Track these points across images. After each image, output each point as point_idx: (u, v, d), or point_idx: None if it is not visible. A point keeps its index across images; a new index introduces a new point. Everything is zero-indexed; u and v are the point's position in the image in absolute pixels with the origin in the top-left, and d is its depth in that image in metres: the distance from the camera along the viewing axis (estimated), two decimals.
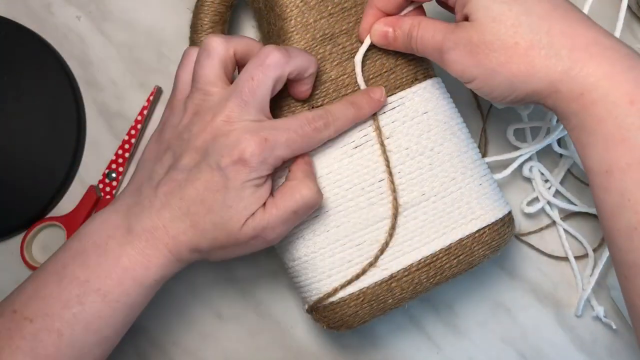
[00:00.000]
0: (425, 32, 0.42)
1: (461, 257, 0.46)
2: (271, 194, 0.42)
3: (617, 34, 0.49)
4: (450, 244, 0.46)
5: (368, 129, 0.46)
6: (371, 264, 0.46)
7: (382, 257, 0.46)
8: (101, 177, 0.58)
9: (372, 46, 0.46)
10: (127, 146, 0.57)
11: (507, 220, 0.48)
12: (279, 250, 0.48)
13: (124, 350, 0.56)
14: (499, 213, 0.47)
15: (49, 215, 0.59)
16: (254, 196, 0.41)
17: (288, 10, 0.46)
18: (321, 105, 0.46)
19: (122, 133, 0.58)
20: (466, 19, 0.41)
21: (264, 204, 0.42)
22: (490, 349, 0.56)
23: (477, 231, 0.47)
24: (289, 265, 0.48)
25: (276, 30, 0.47)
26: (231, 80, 0.44)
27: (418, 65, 0.47)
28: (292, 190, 0.42)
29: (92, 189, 0.58)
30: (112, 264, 0.41)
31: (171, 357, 0.56)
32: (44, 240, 0.59)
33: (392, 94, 0.46)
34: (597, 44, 0.38)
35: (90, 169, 0.58)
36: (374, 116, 0.46)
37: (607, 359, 0.55)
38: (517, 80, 0.39)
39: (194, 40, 0.52)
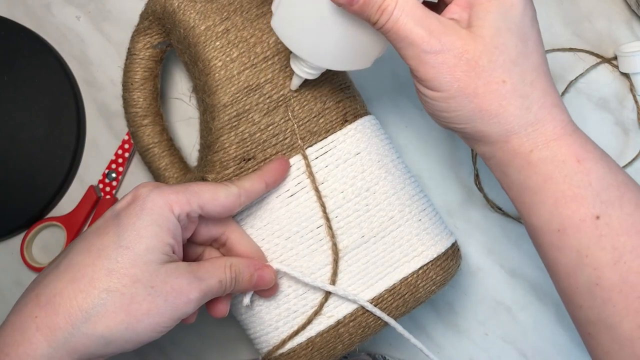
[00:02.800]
0: (405, 16, 0.35)
1: (406, 295, 0.46)
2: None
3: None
4: (394, 284, 0.46)
5: (302, 177, 0.45)
6: (316, 313, 0.45)
7: (327, 304, 0.45)
8: (101, 177, 0.58)
9: (298, 92, 0.45)
10: (127, 146, 0.57)
11: (451, 253, 0.47)
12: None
13: None
14: (441, 247, 0.47)
15: (49, 215, 0.59)
16: (158, 237, 0.39)
17: (211, 64, 0.45)
18: (253, 157, 0.45)
19: (122, 133, 0.58)
20: (468, 22, 0.37)
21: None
22: (491, 348, 0.56)
23: (420, 268, 0.46)
24: (237, 319, 0.48)
25: (201, 85, 0.46)
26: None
27: (347, 106, 0.46)
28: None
29: (92, 189, 0.58)
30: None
31: (171, 357, 0.56)
32: (44, 240, 0.59)
33: (323, 138, 0.45)
34: (558, 106, 0.38)
35: (90, 169, 0.59)
36: (306, 162, 0.45)
37: None
38: (481, 116, 0.37)
39: (125, 99, 0.51)
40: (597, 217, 0.36)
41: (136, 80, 0.51)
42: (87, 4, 0.59)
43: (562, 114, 0.38)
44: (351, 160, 0.46)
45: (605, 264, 0.36)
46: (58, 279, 0.37)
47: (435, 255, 0.46)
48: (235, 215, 0.45)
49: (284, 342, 0.46)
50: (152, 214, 0.38)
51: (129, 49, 0.51)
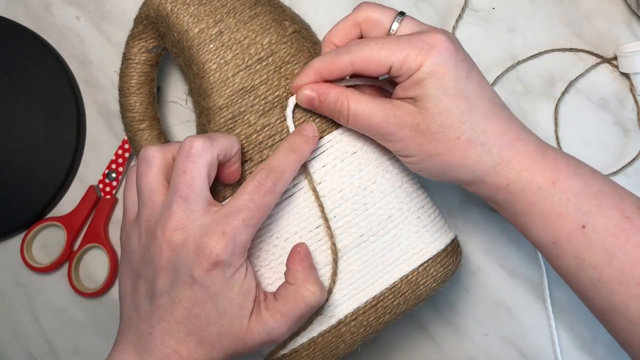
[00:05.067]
0: (360, 110, 0.42)
1: (407, 293, 0.46)
2: (272, 294, 0.43)
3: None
4: (395, 282, 0.46)
5: (299, 177, 0.45)
6: (317, 313, 0.45)
7: (327, 304, 0.45)
8: (101, 177, 0.58)
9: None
10: (127, 146, 0.57)
11: (451, 249, 0.47)
12: None
13: None
14: (440, 244, 0.47)
15: (49, 215, 0.59)
16: (242, 291, 0.41)
17: (205, 67, 0.45)
18: (249, 159, 0.45)
19: (122, 133, 0.58)
20: (412, 100, 0.41)
21: (265, 299, 0.42)
22: (491, 347, 0.56)
23: (421, 266, 0.46)
24: None
25: (196, 88, 0.46)
26: None
27: None
28: (295, 295, 0.42)
29: (92, 189, 0.58)
30: None
31: None
32: (44, 240, 0.59)
33: (320, 138, 0.45)
34: (519, 140, 0.41)
35: (90, 169, 0.59)
36: (303, 162, 0.45)
37: (607, 358, 0.55)
38: (450, 169, 0.42)
39: (122, 104, 0.51)
40: (583, 227, 0.40)
41: (132, 85, 0.51)
42: (87, 4, 0.59)
43: (525, 145, 0.41)
44: (348, 159, 0.45)
45: (601, 263, 0.40)
46: (185, 342, 0.41)
47: (435, 252, 0.46)
48: None
49: (285, 343, 0.46)
50: (235, 276, 0.41)
51: (124, 53, 0.51)
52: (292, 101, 0.45)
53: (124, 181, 0.57)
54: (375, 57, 0.41)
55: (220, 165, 0.43)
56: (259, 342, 0.41)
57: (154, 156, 0.42)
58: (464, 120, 0.41)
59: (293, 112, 0.45)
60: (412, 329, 0.56)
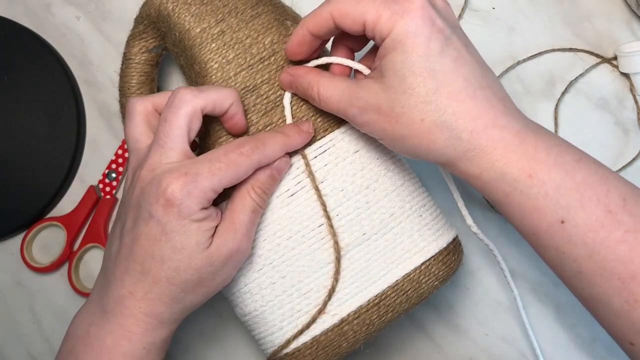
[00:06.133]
0: (328, 95, 0.42)
1: (409, 292, 0.46)
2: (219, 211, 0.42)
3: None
4: (397, 280, 0.46)
5: (301, 176, 0.45)
6: (320, 311, 0.45)
7: (330, 302, 0.45)
8: (101, 177, 0.58)
9: None
10: (127, 146, 0.57)
11: (453, 247, 0.47)
12: (231, 304, 0.48)
13: None
14: (442, 242, 0.47)
15: (49, 215, 0.59)
16: (201, 230, 0.40)
17: (207, 67, 0.45)
18: None
19: (122, 133, 0.58)
20: (379, 72, 0.40)
21: (217, 227, 0.42)
22: (491, 347, 0.56)
23: (423, 264, 0.46)
24: (241, 320, 0.48)
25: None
26: None
27: None
28: (237, 206, 0.42)
29: (92, 189, 0.58)
30: (98, 350, 0.41)
31: (172, 357, 0.56)
32: (44, 240, 0.59)
33: (322, 137, 0.45)
34: (495, 126, 0.38)
35: (90, 169, 0.59)
36: (305, 161, 0.45)
37: (607, 358, 0.55)
38: (420, 152, 0.40)
39: (122, 104, 0.51)
40: (562, 222, 0.38)
41: (133, 85, 0.51)
42: (87, 4, 0.59)
43: (501, 132, 0.39)
44: (350, 158, 0.46)
45: (581, 257, 0.38)
46: (141, 281, 0.41)
47: (437, 251, 0.46)
48: None
49: (288, 342, 0.46)
50: (191, 214, 0.40)
51: (124, 53, 0.51)
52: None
53: (124, 181, 0.57)
54: (350, 11, 0.39)
55: (221, 117, 0.43)
56: (225, 256, 0.41)
57: (135, 107, 0.43)
58: (428, 101, 0.38)
59: (291, 104, 0.45)
60: (412, 329, 0.56)
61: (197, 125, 0.42)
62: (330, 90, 0.42)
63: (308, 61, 0.45)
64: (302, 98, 0.45)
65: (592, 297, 0.39)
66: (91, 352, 0.41)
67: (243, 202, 0.42)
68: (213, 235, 0.41)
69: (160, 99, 0.43)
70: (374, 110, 0.40)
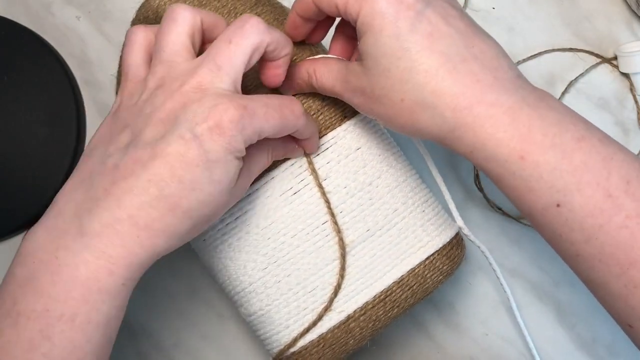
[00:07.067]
0: (323, 80, 0.42)
1: (415, 286, 0.46)
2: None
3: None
4: (402, 275, 0.46)
5: (304, 174, 0.45)
6: (326, 309, 0.45)
7: (336, 299, 0.45)
8: None
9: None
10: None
11: (456, 242, 0.48)
12: (235, 305, 0.48)
13: (125, 352, 0.56)
14: (445, 237, 0.47)
15: None
16: (239, 168, 0.37)
17: None
18: None
19: None
20: (360, 56, 0.39)
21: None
22: (491, 347, 0.56)
23: (427, 258, 0.46)
24: (246, 320, 0.48)
25: None
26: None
27: (345, 103, 0.46)
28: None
29: None
30: (69, 280, 0.34)
31: (172, 358, 0.56)
32: None
33: (323, 135, 0.45)
34: (481, 103, 0.36)
35: None
36: (308, 159, 0.45)
37: (607, 358, 0.55)
38: (408, 131, 0.39)
39: None
40: (558, 205, 0.36)
41: None
42: (87, 4, 0.59)
43: (489, 109, 0.36)
44: (352, 155, 0.46)
45: (579, 241, 0.36)
46: (152, 205, 0.35)
47: (440, 245, 0.47)
48: (240, 216, 0.45)
49: (295, 340, 0.46)
50: (235, 151, 0.36)
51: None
52: None
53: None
54: None
55: (267, 60, 0.40)
56: (238, 198, 0.40)
57: (183, 14, 0.38)
58: (405, 81, 0.36)
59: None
60: (412, 329, 0.56)
61: (256, 59, 0.38)
62: (326, 76, 0.41)
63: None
64: (302, 98, 0.45)
65: (590, 280, 0.38)
66: (59, 283, 0.34)
67: (260, 155, 0.41)
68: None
69: (209, 17, 0.40)
70: (360, 93, 0.39)
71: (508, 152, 0.36)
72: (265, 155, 0.42)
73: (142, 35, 0.40)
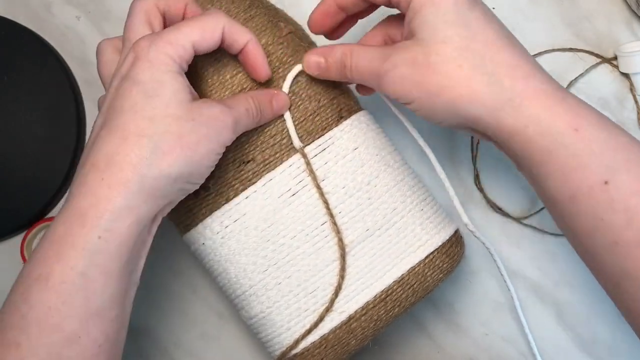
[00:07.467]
0: (360, 59, 0.42)
1: (415, 285, 0.46)
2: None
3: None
4: (402, 274, 0.46)
5: (302, 175, 0.45)
6: (328, 309, 0.45)
7: (337, 300, 0.45)
8: None
9: (292, 93, 0.45)
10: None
11: (455, 240, 0.48)
12: (236, 308, 0.48)
13: (125, 351, 0.55)
14: (444, 235, 0.47)
15: (49, 215, 0.59)
16: (177, 80, 0.39)
17: (202, 70, 0.45)
18: (252, 159, 0.45)
19: None
20: (410, 35, 0.40)
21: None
22: (491, 347, 0.56)
23: (427, 257, 0.46)
24: (247, 323, 0.48)
25: (195, 91, 0.46)
26: None
27: (342, 102, 0.46)
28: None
29: None
30: (47, 239, 0.37)
31: (172, 358, 0.56)
32: None
33: (321, 136, 0.45)
34: (534, 77, 0.38)
35: None
36: (306, 160, 0.45)
37: (607, 359, 0.55)
38: (459, 105, 0.38)
39: None
40: (606, 182, 0.36)
41: None
42: (87, 4, 0.59)
43: (543, 84, 0.38)
44: (349, 155, 0.46)
45: (620, 225, 0.36)
46: (108, 143, 0.37)
47: (440, 243, 0.47)
48: (239, 219, 0.45)
49: (297, 342, 0.46)
50: (161, 64, 0.38)
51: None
52: (297, 68, 0.45)
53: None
54: None
55: (241, 56, 0.43)
56: (207, 116, 0.39)
57: (137, 6, 0.41)
58: (464, 47, 0.38)
59: (290, 112, 0.45)
60: (412, 329, 0.56)
61: (206, 39, 0.40)
62: (362, 55, 0.42)
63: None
64: (298, 100, 0.45)
65: (621, 273, 0.37)
66: (43, 245, 0.37)
67: (239, 97, 0.42)
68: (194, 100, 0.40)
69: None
70: (409, 63, 0.39)
71: (564, 125, 0.37)
72: (242, 97, 0.42)
73: (143, 6, 0.42)
